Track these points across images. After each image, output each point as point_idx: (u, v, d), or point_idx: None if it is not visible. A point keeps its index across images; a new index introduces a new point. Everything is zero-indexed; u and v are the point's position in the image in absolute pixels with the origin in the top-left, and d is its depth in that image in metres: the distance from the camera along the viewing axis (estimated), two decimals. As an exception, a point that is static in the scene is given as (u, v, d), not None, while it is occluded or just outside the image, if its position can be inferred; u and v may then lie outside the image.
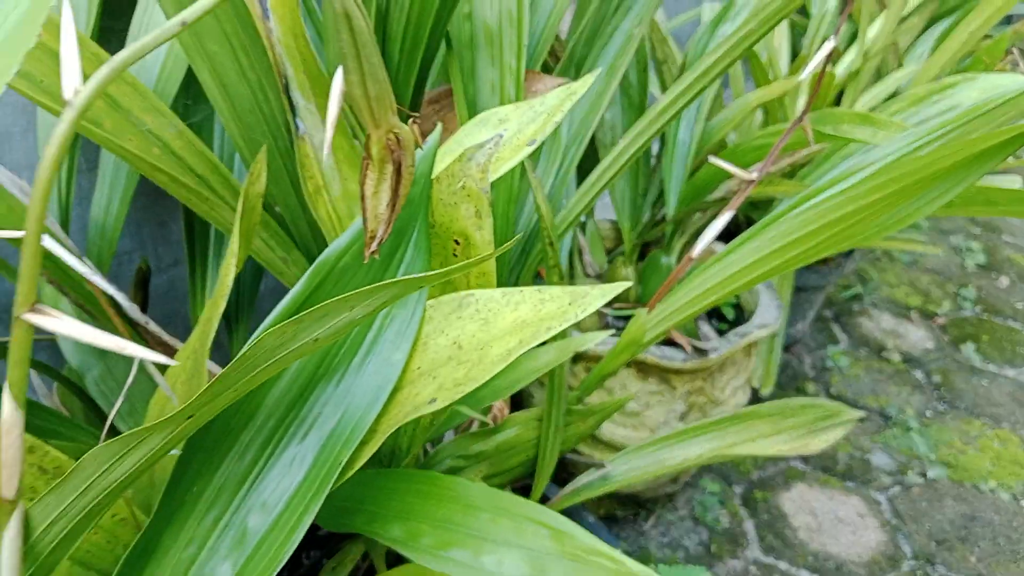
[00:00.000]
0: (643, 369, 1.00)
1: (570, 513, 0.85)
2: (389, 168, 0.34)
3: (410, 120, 0.38)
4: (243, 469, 0.40)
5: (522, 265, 0.79)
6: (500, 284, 0.58)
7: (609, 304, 1.13)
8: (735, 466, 1.29)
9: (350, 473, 0.40)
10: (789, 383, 1.51)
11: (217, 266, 0.66)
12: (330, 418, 0.41)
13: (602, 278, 1.15)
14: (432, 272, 0.31)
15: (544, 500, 0.83)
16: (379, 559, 0.65)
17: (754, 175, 0.74)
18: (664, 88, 1.18)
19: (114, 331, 0.60)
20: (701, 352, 0.99)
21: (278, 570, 0.40)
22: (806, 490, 1.26)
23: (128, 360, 0.67)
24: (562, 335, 0.67)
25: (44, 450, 0.39)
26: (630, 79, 1.07)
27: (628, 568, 0.43)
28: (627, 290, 1.14)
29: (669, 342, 1.02)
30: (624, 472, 0.76)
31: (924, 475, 1.30)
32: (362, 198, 0.35)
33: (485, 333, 0.40)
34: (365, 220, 0.36)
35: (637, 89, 1.07)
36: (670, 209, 1.06)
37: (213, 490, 0.40)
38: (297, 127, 0.49)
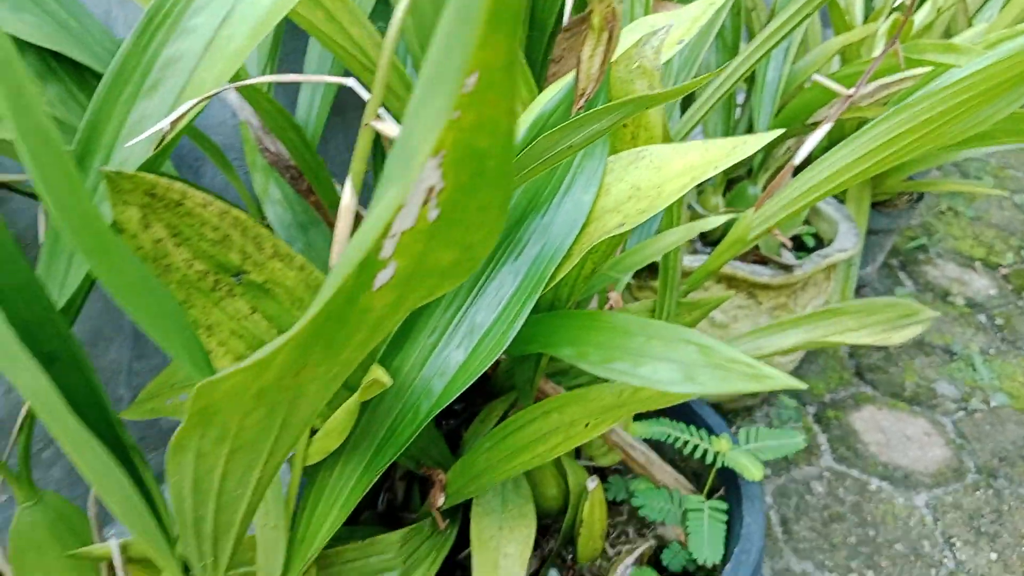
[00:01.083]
0: (732, 283, 1.10)
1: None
2: (604, 36, 0.46)
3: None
4: (473, 277, 0.52)
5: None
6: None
7: (693, 239, 1.23)
8: (809, 391, 1.39)
9: (552, 284, 0.52)
10: (857, 321, 1.60)
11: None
12: (537, 242, 0.52)
13: (690, 207, 1.25)
14: (643, 95, 0.42)
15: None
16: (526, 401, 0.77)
17: (851, 92, 0.83)
18: (752, 35, 1.28)
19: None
20: (787, 269, 1.09)
21: (496, 358, 0.52)
22: (875, 411, 1.35)
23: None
24: (677, 213, 0.78)
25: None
26: (725, 23, 1.16)
27: (763, 372, 0.54)
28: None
29: (757, 260, 1.12)
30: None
31: (987, 402, 1.39)
32: (578, 62, 0.47)
33: (659, 177, 0.51)
34: (578, 80, 0.47)
35: (731, 32, 1.16)
36: (759, 141, 1.15)
37: (451, 293, 0.52)
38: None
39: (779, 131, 0.50)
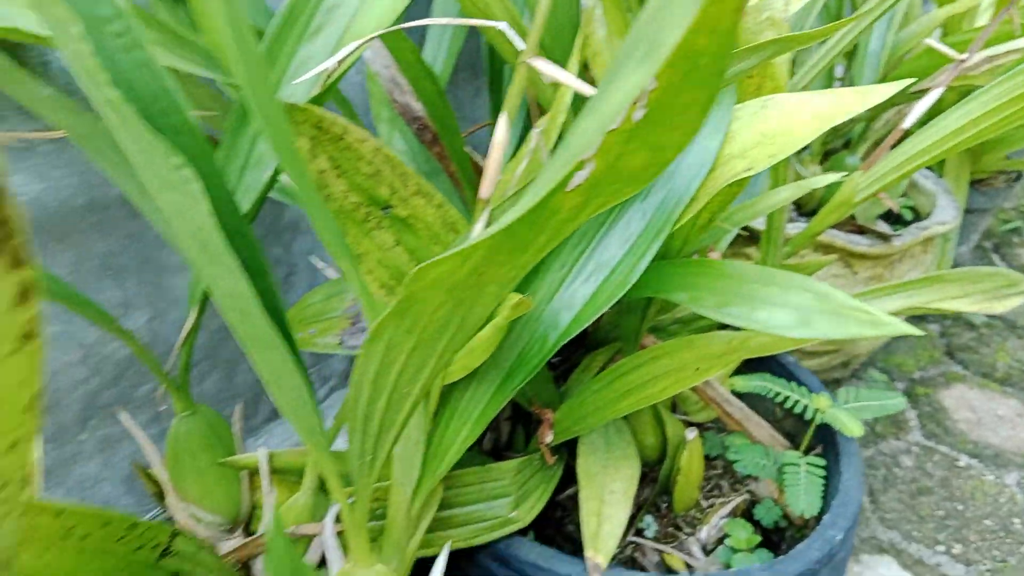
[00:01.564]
0: (829, 252, 1.11)
1: (771, 364, 0.97)
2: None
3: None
4: (604, 215, 0.55)
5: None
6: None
7: (789, 208, 1.24)
8: (897, 365, 1.39)
9: (675, 227, 0.55)
10: (949, 301, 1.58)
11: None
12: (664, 186, 0.55)
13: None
14: (781, 37, 0.44)
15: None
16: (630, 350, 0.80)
17: (963, 57, 0.84)
18: (855, 7, 1.27)
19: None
20: (885, 239, 1.09)
21: (622, 294, 0.55)
22: (966, 390, 1.34)
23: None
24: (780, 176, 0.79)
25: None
26: (829, -8, 1.16)
27: (880, 318, 0.56)
28: (812, 192, 1.25)
29: (854, 230, 1.13)
30: (825, 318, 0.88)
31: (1085, 386, 1.36)
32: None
33: (786, 123, 0.54)
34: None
35: (835, 3, 1.16)
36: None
37: (581, 231, 0.55)
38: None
39: (907, 81, 0.52)
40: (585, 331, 0.95)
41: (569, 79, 0.44)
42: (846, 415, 0.78)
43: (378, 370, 0.39)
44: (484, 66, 0.85)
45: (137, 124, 0.35)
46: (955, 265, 1.67)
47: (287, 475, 0.64)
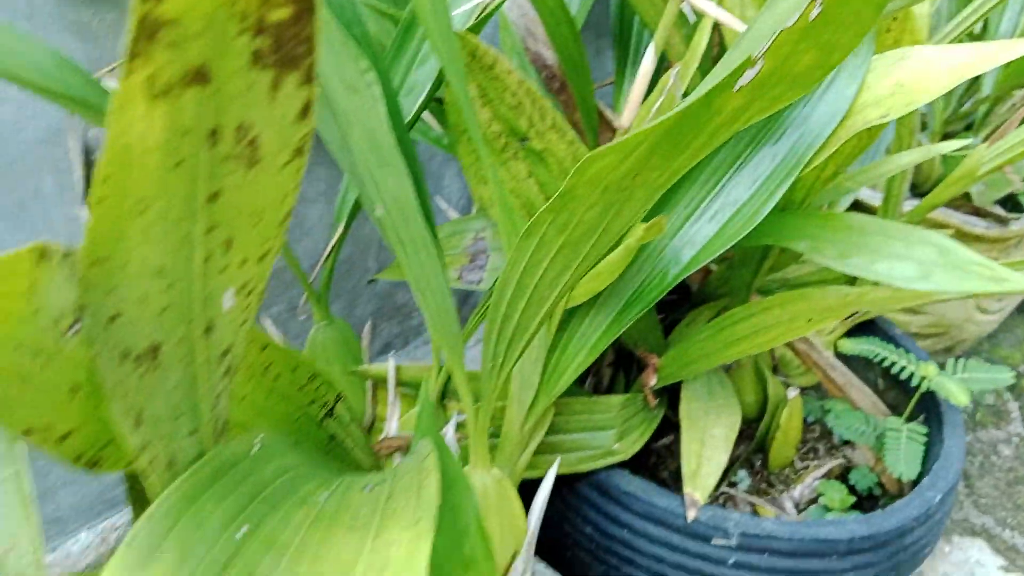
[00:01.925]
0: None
1: (879, 333, 0.97)
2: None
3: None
4: (733, 156, 0.57)
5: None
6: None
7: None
8: (1003, 357, 1.35)
9: (806, 171, 0.56)
10: (1064, 299, 1.52)
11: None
12: (797, 130, 0.57)
13: (902, 157, 1.24)
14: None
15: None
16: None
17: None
18: (988, -17, 1.23)
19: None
20: (1002, 223, 1.07)
21: (748, 230, 0.57)
22: (1076, 388, 1.30)
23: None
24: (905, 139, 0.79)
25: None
26: (963, -33, 1.14)
27: (1002, 274, 0.57)
28: (930, 170, 1.23)
29: (971, 211, 1.11)
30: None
31: None
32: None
33: (923, 74, 0.54)
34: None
35: (968, -23, 1.13)
36: (986, 88, 1.13)
37: (711, 169, 0.58)
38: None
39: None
40: (690, 288, 0.97)
41: (720, 12, 0.46)
42: (953, 384, 0.78)
43: (525, 268, 0.43)
44: (612, 23, 0.87)
45: (334, 27, 0.39)
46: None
47: (409, 390, 0.69)
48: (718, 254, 0.59)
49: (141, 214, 0.21)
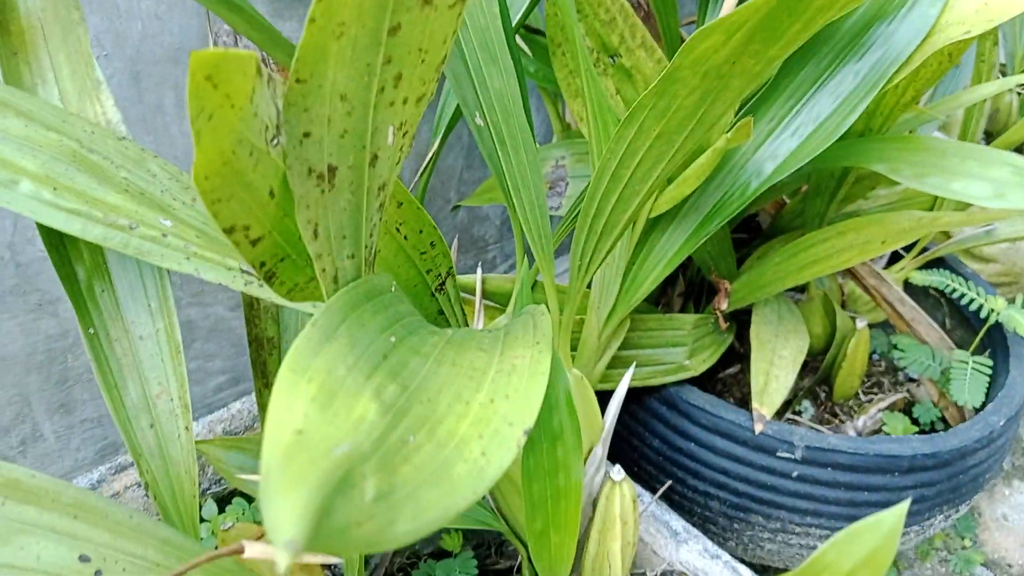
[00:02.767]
0: None
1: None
2: None
3: None
4: (816, 73, 0.60)
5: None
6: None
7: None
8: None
9: (890, 86, 0.58)
10: None
11: None
12: (880, 48, 0.59)
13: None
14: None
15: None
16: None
17: None
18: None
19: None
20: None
21: (829, 144, 0.59)
22: None
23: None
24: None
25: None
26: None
27: (1079, 193, 0.58)
28: (1007, 118, 1.22)
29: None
30: (1012, 231, 0.89)
31: None
32: None
33: (1009, -6, 0.56)
34: None
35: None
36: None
37: (795, 85, 0.60)
38: None
39: None
40: (762, 227, 0.99)
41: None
42: (1021, 315, 0.79)
43: (619, 161, 0.46)
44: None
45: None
46: None
47: (493, 302, 0.73)
48: (799, 167, 0.61)
49: (339, 38, 0.25)
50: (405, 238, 0.41)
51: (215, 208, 0.26)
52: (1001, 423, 0.74)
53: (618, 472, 0.55)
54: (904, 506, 0.27)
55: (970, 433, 0.73)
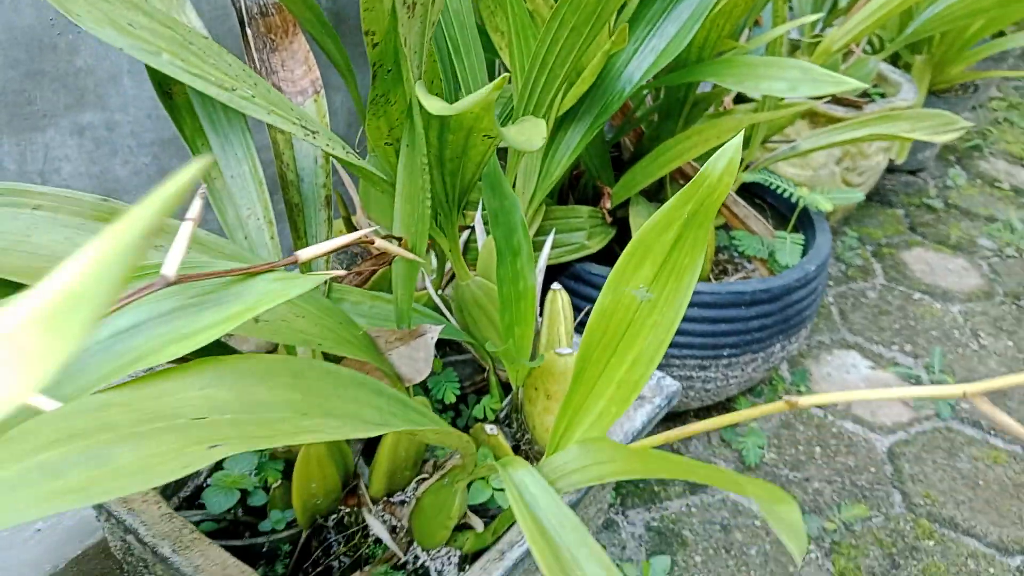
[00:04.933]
0: (814, 120, 1.41)
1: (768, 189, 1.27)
2: None
3: None
4: (664, 6, 0.85)
5: None
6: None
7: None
8: (867, 233, 1.69)
9: (710, 27, 0.84)
10: (915, 195, 1.88)
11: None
12: (703, -13, 0.85)
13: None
14: None
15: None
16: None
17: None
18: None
19: None
20: (857, 108, 1.39)
21: (677, 54, 0.84)
22: (922, 252, 1.65)
23: None
24: None
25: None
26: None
27: (844, 80, 0.86)
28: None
29: (834, 101, 1.43)
30: (809, 144, 1.18)
31: (1020, 251, 1.67)
32: None
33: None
34: None
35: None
36: None
37: (650, 15, 0.85)
38: None
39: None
40: (622, 156, 1.24)
41: None
42: (820, 197, 1.08)
43: (548, 45, 0.69)
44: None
45: None
46: (920, 169, 1.97)
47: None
48: (658, 70, 0.86)
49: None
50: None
51: (365, 15, 0.46)
52: (813, 268, 1.02)
53: (556, 285, 0.77)
54: (738, 140, 0.50)
55: (793, 275, 1.00)
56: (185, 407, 0.38)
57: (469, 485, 0.68)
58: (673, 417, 1.16)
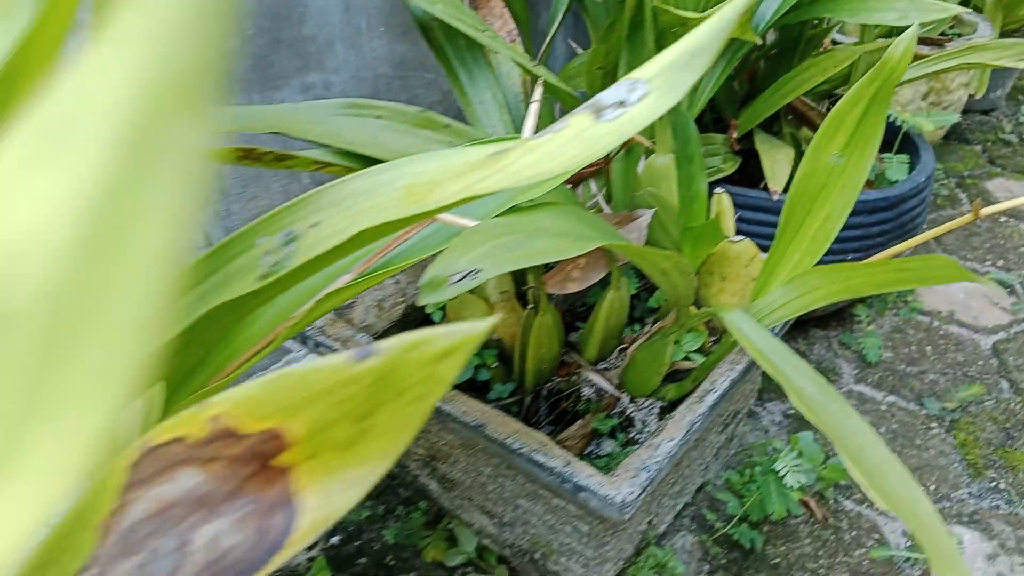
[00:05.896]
0: (899, 59, 1.54)
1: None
2: None
3: None
4: (791, -49, 0.99)
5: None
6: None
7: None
8: (951, 167, 1.81)
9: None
10: (990, 132, 1.99)
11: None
12: (825, -67, 0.99)
13: None
14: None
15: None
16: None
17: None
18: None
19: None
20: (940, 45, 1.52)
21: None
22: (1003, 181, 1.76)
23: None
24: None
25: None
26: None
27: (946, 5, 0.99)
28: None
29: (921, 41, 1.55)
30: (904, 76, 1.31)
31: (1098, 175, 1.77)
32: None
33: None
34: None
35: None
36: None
37: (779, -40, 0.99)
38: None
39: None
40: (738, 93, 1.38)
41: None
42: (922, 119, 1.21)
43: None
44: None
45: None
46: (992, 108, 2.08)
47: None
48: (786, 10, 1.00)
49: None
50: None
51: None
52: (923, 179, 1.15)
53: (719, 188, 0.92)
54: (913, 30, 0.64)
55: (906, 185, 1.14)
56: (546, 225, 0.54)
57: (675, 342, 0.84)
58: (795, 326, 1.31)
